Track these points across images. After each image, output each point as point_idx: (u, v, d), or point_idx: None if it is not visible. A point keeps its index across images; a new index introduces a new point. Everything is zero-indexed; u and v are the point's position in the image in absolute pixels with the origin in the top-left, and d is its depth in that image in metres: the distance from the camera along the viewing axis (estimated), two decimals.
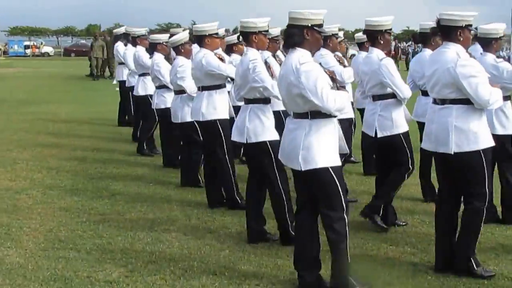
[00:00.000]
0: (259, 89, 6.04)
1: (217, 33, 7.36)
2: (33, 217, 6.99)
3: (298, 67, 4.70)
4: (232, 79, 7.18)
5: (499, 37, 6.50)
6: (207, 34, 7.21)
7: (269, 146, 6.01)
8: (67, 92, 22.25)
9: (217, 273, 5.40)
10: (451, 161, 5.23)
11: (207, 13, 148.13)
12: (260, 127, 6.07)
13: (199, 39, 7.27)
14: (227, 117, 7.31)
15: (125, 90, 12.67)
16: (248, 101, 6.19)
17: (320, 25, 4.85)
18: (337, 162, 4.83)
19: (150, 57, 9.67)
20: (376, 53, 6.45)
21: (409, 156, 6.51)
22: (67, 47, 59.70)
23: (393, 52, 33.84)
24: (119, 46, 12.98)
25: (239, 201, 7.29)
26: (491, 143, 5.23)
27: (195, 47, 8.41)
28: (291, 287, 5.13)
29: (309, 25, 4.79)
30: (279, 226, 6.17)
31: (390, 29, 6.54)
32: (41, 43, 59.77)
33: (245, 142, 6.16)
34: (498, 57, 6.63)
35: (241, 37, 6.41)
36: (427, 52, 7.17)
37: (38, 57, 52.41)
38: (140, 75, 10.72)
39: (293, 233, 5.64)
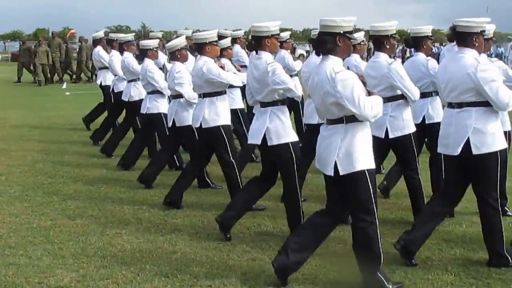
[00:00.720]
0: (279, 91, 6.06)
1: (216, 41, 7.39)
2: None
3: (334, 76, 4.75)
4: (232, 86, 7.22)
5: (490, 38, 6.68)
6: (207, 41, 7.21)
7: (291, 147, 6.10)
8: (15, 97, 21.89)
9: (169, 275, 5.45)
10: (469, 162, 5.41)
11: (157, 14, 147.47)
12: (281, 129, 6.11)
13: (200, 46, 7.26)
14: (229, 123, 7.37)
15: (109, 94, 12.55)
16: (266, 104, 6.18)
17: (351, 32, 4.95)
18: (373, 165, 4.94)
19: (139, 63, 9.66)
20: (384, 58, 6.58)
21: (415, 155, 6.70)
22: (15, 52, 58.58)
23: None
24: (100, 51, 12.81)
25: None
26: (505, 144, 5.47)
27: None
28: (243, 287, 5.22)
29: (341, 32, 4.88)
30: (289, 222, 6.30)
31: (395, 34, 6.68)
32: None
33: (259, 143, 6.18)
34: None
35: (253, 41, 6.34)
36: (421, 56, 7.32)
37: None
38: (129, 81, 10.63)
39: None
